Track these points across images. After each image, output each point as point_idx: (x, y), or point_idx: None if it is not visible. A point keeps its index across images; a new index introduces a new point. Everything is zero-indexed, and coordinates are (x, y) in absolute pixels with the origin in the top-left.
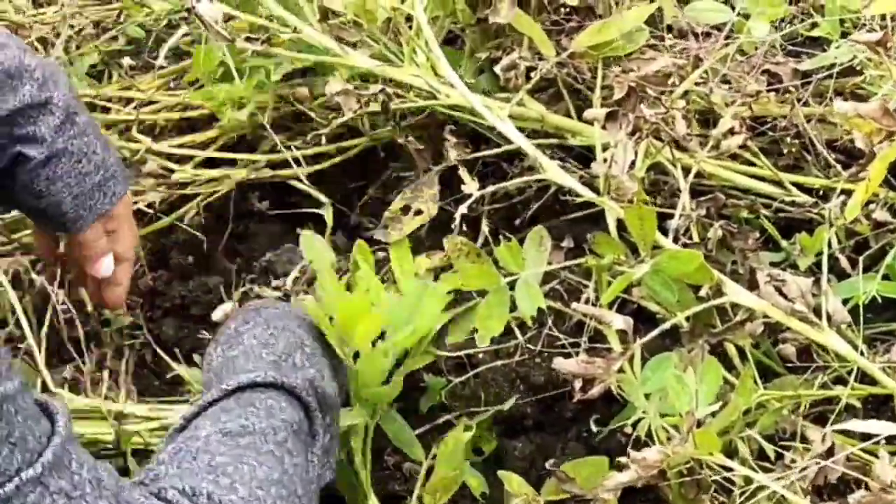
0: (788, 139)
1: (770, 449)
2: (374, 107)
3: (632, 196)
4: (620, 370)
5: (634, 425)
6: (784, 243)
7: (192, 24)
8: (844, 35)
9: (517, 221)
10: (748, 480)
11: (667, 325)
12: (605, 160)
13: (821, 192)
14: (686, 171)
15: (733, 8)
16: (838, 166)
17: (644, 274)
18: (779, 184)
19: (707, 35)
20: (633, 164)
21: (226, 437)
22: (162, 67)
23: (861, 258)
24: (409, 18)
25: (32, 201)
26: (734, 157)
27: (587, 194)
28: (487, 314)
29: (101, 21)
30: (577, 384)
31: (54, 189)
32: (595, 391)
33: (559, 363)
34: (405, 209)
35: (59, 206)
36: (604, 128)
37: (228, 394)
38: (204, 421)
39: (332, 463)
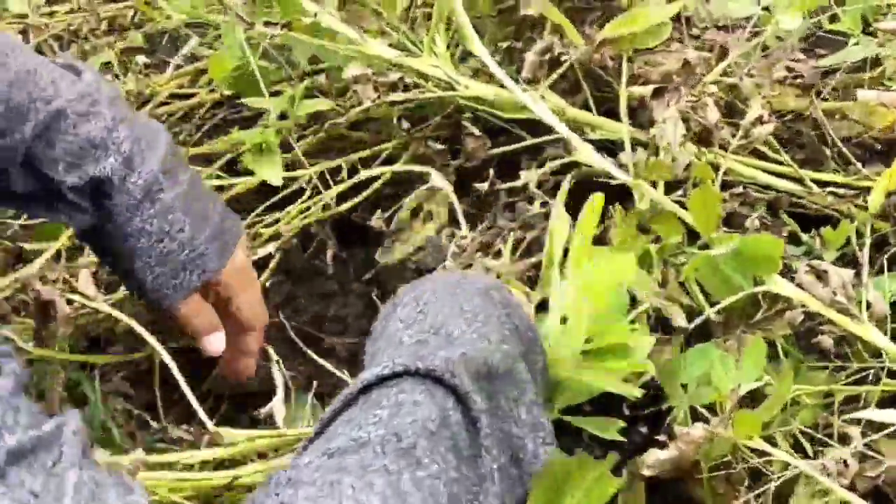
0: (805, 133)
1: (809, 441)
2: (394, 97)
3: (683, 172)
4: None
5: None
6: (805, 237)
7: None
8: (866, 29)
9: None
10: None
11: (715, 310)
12: (632, 148)
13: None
14: (714, 166)
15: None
16: (858, 164)
17: (720, 255)
18: (798, 180)
19: (727, 28)
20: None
21: (331, 459)
22: (179, 66)
23: (884, 257)
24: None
25: (119, 272)
26: (753, 151)
27: (623, 177)
28: None
29: (116, 17)
30: None
31: (136, 267)
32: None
33: None
34: (416, 211)
35: (143, 285)
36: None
37: (351, 401)
38: (317, 444)
39: (541, 437)
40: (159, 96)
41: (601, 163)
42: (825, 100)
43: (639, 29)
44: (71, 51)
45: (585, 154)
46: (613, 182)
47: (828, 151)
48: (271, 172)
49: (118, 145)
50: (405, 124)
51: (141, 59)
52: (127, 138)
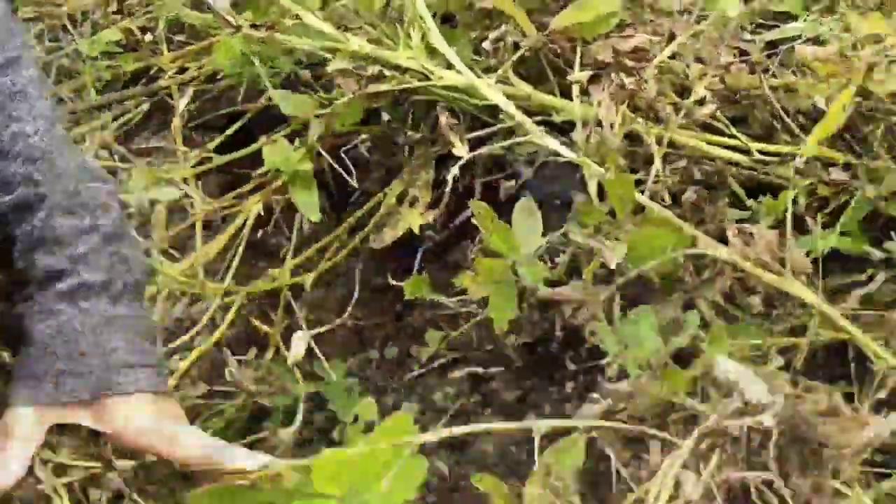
0: (756, 110)
1: None
2: (372, 88)
3: (614, 151)
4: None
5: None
6: (751, 202)
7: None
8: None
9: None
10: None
11: (632, 275)
12: (584, 127)
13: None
14: (659, 140)
15: None
16: (802, 135)
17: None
18: (747, 152)
19: (682, 13)
20: (612, 127)
21: None
22: (182, 43)
23: (819, 216)
24: None
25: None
26: (707, 127)
27: (569, 155)
28: (498, 306)
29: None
30: (567, 311)
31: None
32: (581, 317)
33: (552, 291)
34: (401, 197)
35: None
36: (586, 92)
37: None
38: None
39: None
40: (168, 71)
41: (550, 143)
42: (774, 76)
43: (588, 18)
44: (82, 29)
45: (535, 136)
46: None
47: (777, 124)
48: (311, 209)
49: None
50: (385, 116)
51: (147, 37)
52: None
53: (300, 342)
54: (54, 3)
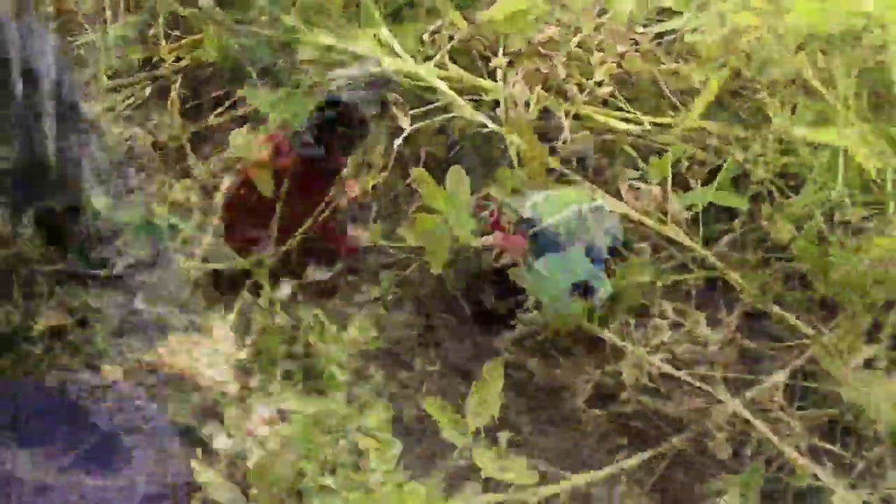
0: (647, 89)
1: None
2: (334, 73)
3: (527, 122)
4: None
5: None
6: (642, 164)
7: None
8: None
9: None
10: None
11: (544, 225)
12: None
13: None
14: (567, 114)
15: None
16: (683, 108)
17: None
18: (639, 123)
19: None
20: (527, 104)
21: None
22: (178, 37)
23: (699, 177)
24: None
25: None
26: (606, 103)
27: (492, 126)
28: (432, 252)
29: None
30: (494, 254)
31: None
32: (505, 260)
33: (483, 240)
34: (360, 165)
35: None
36: (505, 76)
37: None
38: None
39: None
40: (168, 59)
41: (477, 116)
42: (661, 62)
43: (506, 14)
44: (95, 25)
45: (464, 111)
46: None
47: (664, 101)
48: (266, 187)
49: None
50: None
51: (151, 31)
52: None
53: (286, 287)
54: (72, 2)
